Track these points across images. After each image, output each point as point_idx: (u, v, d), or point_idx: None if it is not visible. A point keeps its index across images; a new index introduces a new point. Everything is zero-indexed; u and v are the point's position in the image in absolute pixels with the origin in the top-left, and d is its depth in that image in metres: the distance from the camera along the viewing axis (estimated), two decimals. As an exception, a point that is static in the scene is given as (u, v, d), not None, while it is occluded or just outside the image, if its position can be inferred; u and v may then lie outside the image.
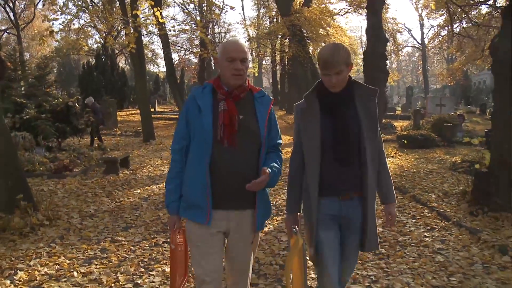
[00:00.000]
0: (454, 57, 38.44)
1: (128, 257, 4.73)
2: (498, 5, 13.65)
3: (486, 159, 7.20)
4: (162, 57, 28.37)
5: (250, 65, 47.72)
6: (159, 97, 40.60)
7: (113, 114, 21.38)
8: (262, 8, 42.41)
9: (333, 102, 2.53)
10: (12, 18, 38.81)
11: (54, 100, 13.53)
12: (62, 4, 10.98)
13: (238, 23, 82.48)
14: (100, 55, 31.87)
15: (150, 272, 4.29)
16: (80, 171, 9.56)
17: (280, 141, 2.70)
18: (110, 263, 4.54)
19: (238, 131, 2.45)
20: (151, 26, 12.21)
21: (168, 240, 4.60)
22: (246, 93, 2.58)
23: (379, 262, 4.44)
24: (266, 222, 2.72)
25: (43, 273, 4.26)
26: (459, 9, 15.40)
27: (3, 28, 43.16)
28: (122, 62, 47.97)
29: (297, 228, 2.63)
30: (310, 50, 20.78)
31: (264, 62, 48.82)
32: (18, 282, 4.04)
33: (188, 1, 29.08)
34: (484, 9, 18.30)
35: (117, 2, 17.72)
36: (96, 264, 4.51)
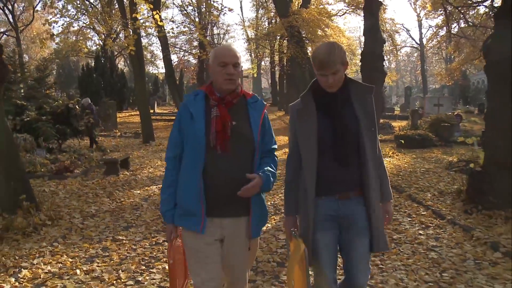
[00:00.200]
0: (452, 57, 38.55)
1: (129, 255, 4.84)
2: (495, 5, 13.76)
3: (481, 158, 7.30)
4: (161, 59, 28.54)
5: (249, 66, 48.00)
6: (159, 98, 40.69)
7: (113, 116, 21.47)
8: (260, 9, 42.56)
9: (330, 102, 2.49)
10: (11, 20, 38.90)
11: (54, 102, 13.65)
12: (61, 6, 11.10)
13: (236, 24, 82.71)
14: (100, 57, 31.97)
15: (151, 270, 4.40)
16: (80, 172, 9.67)
17: (275, 146, 2.67)
18: (112, 261, 4.65)
19: (231, 137, 2.42)
20: (150, 28, 12.31)
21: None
22: (239, 99, 2.56)
23: (374, 259, 4.55)
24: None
25: (47, 271, 4.38)
26: (456, 10, 15.52)
27: (2, 30, 43.24)
28: (121, 63, 48.02)
29: (296, 231, 2.59)
30: (308, 51, 20.91)
31: (263, 63, 48.96)
32: (22, 280, 4.16)
33: (187, 3, 29.21)
34: (482, 9, 18.44)
35: (116, 4, 17.80)
36: (98, 262, 4.62)
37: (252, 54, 46.73)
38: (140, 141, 16.61)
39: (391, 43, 29.11)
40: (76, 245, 5.20)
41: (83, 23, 26.01)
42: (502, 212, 5.72)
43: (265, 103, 2.66)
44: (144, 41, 31.69)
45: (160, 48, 27.04)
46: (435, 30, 30.11)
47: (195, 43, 35.86)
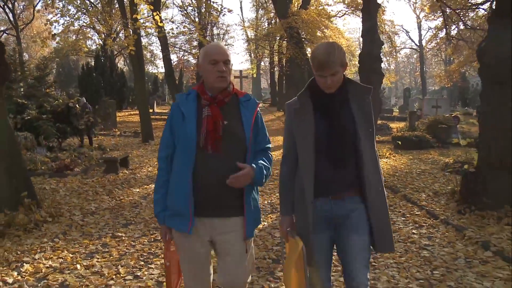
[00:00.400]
0: (452, 59, 38.70)
1: (128, 251, 4.96)
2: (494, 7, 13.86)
3: (475, 159, 7.41)
4: (161, 58, 28.63)
5: (249, 66, 48.12)
6: (158, 98, 40.77)
7: (112, 115, 21.53)
8: (260, 9, 42.72)
9: (327, 103, 2.46)
10: (12, 19, 38.99)
11: (54, 101, 13.75)
12: (61, 6, 11.20)
13: (236, 24, 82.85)
14: (99, 56, 32.06)
15: (149, 266, 4.51)
16: (80, 170, 9.77)
17: (269, 145, 2.65)
18: (111, 257, 4.76)
19: (222, 137, 2.40)
20: (150, 29, 12.42)
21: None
22: (231, 98, 2.54)
23: (367, 257, 4.66)
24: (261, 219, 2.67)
25: (48, 265, 4.49)
26: (455, 13, 15.62)
27: (2, 28, 43.32)
28: (121, 63, 48.10)
29: (293, 231, 2.57)
30: (307, 52, 21.04)
31: (262, 63, 49.10)
32: (24, 273, 4.27)
33: (187, 4, 29.31)
34: (482, 11, 18.54)
35: (116, 4, 17.90)
36: (98, 258, 4.74)
37: (252, 55, 46.88)
38: (139, 140, 16.71)
39: (390, 44, 29.18)
40: (76, 241, 5.31)
41: (83, 22, 26.11)
42: (495, 212, 5.81)
43: (257, 101, 2.64)
44: (144, 40, 31.79)
45: (160, 47, 27.16)
46: (434, 32, 30.29)
47: (195, 43, 35.94)
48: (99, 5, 27.37)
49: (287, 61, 26.83)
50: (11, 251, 4.86)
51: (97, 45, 34.41)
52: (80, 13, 25.31)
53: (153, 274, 4.26)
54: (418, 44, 52.41)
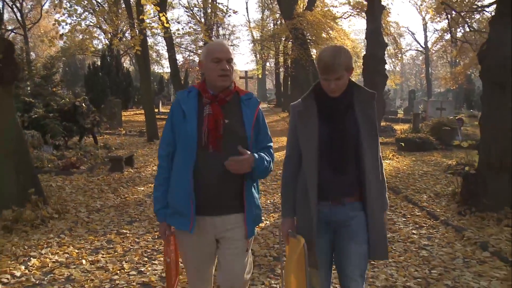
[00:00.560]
0: (457, 61, 38.64)
1: (133, 247, 5.07)
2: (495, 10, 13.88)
3: (476, 161, 7.48)
4: (167, 58, 28.75)
5: (254, 66, 48.20)
6: (163, 97, 40.92)
7: (118, 114, 21.64)
8: (266, 10, 42.81)
9: (331, 107, 2.46)
10: (19, 18, 39.25)
11: (61, 99, 13.88)
12: (69, 6, 11.30)
13: (242, 25, 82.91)
14: (106, 55, 32.23)
15: (153, 262, 4.61)
16: (86, 168, 9.89)
17: (270, 143, 2.63)
18: (116, 253, 4.88)
19: (223, 136, 2.39)
20: (156, 29, 12.52)
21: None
22: (233, 96, 2.52)
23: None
24: (262, 218, 2.68)
25: (54, 260, 4.61)
26: (460, 16, 15.66)
27: (10, 28, 43.61)
28: (127, 62, 48.29)
29: (294, 232, 2.56)
30: (312, 53, 21.10)
31: (268, 64, 49.15)
32: (31, 267, 4.40)
33: (193, 5, 29.44)
34: (488, 14, 18.55)
35: (123, 4, 18.03)
36: (103, 254, 4.85)
37: (257, 55, 46.97)
38: (144, 140, 16.82)
39: (395, 46, 29.20)
40: (82, 237, 5.43)
41: (90, 22, 26.26)
42: (495, 214, 5.88)
43: (259, 100, 2.63)
44: (150, 40, 31.95)
45: (166, 48, 27.27)
46: (440, 34, 30.28)
47: (201, 43, 36.08)
48: (106, 5, 27.59)
49: (292, 62, 26.86)
50: (18, 245, 4.99)
51: (104, 45, 34.60)
52: (87, 13, 25.52)
53: (156, 270, 4.37)
54: (423, 46, 52.31)
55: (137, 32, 11.61)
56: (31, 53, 40.77)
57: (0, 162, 6.04)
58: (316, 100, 2.50)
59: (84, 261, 4.59)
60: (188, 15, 36.92)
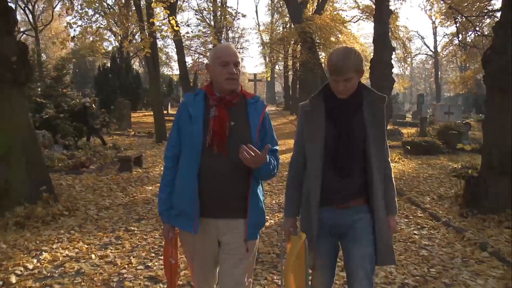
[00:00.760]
0: (467, 65, 38.56)
1: (140, 244, 5.22)
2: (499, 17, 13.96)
3: (479, 164, 7.57)
4: (176, 60, 29.00)
5: (263, 69, 48.34)
6: (172, 99, 41.17)
7: (127, 115, 21.88)
8: (275, 13, 42.97)
9: (339, 108, 2.43)
10: (31, 20, 39.73)
11: (72, 100, 14.13)
12: (80, 8, 11.53)
13: (251, 28, 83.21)
14: (116, 57, 32.56)
15: (160, 257, 4.76)
16: (96, 168, 10.09)
17: (276, 147, 2.58)
18: (124, 249, 5.04)
19: (229, 138, 2.38)
20: (166, 32, 12.71)
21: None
22: (239, 99, 2.51)
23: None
24: (267, 217, 2.66)
25: (65, 255, 4.78)
26: (468, 21, 15.71)
27: (22, 29, 44.11)
28: (136, 64, 48.63)
29: (296, 230, 2.57)
30: (320, 57, 21.23)
31: (277, 67, 49.29)
32: (43, 261, 4.57)
33: (202, 8, 29.68)
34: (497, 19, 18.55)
35: (133, 7, 18.28)
36: (112, 249, 5.01)
37: (266, 58, 47.14)
38: (153, 141, 17.01)
39: (404, 50, 29.25)
40: (91, 233, 5.60)
41: (101, 24, 26.60)
42: (495, 216, 5.98)
43: (265, 103, 2.61)
44: (159, 43, 32.17)
45: (175, 50, 27.55)
46: (450, 38, 30.31)
47: (210, 46, 36.31)
48: (116, 7, 27.90)
49: (300, 66, 27.00)
50: (30, 240, 5.17)
51: (114, 47, 34.95)
52: (97, 15, 25.86)
53: (163, 265, 4.51)
54: (433, 50, 52.27)
55: (147, 35, 11.82)
56: (42, 54, 41.25)
57: (13, 161, 6.22)
58: (325, 101, 2.48)
59: (93, 256, 4.75)
60: (197, 18, 37.22)
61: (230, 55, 2.43)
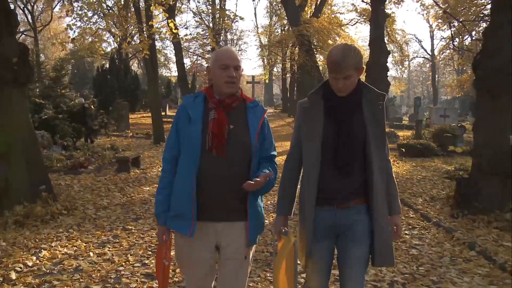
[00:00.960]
0: (464, 68, 38.78)
1: (138, 242, 5.35)
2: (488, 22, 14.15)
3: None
4: (175, 62, 29.15)
5: (262, 72, 48.48)
6: (171, 101, 41.28)
7: (125, 117, 21.97)
8: (274, 16, 43.13)
9: (338, 106, 2.40)
10: (30, 20, 39.81)
11: (70, 101, 14.25)
12: (79, 9, 11.64)
13: (249, 30, 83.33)
14: (114, 58, 32.66)
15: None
16: (94, 168, 10.21)
17: (274, 152, 2.59)
18: (122, 247, 5.16)
19: (227, 141, 2.37)
20: (165, 35, 12.83)
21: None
22: (239, 103, 2.49)
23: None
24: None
25: (63, 252, 4.90)
26: (463, 26, 15.90)
27: (20, 30, 44.13)
28: (134, 65, 48.72)
29: (286, 229, 2.52)
30: (317, 59, 21.40)
31: (275, 69, 49.43)
32: (42, 258, 4.69)
33: (201, 10, 29.84)
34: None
35: (132, 8, 18.38)
36: (109, 247, 5.14)
37: (265, 60, 47.29)
38: (151, 142, 17.12)
39: (401, 53, 29.45)
40: (89, 232, 5.72)
41: (100, 25, 26.67)
42: (485, 216, 6.12)
43: (265, 108, 2.59)
44: (158, 44, 32.26)
45: (174, 51, 27.65)
46: (447, 42, 30.52)
47: (209, 48, 36.45)
48: (115, 8, 27.98)
49: (298, 68, 27.18)
50: (30, 238, 5.30)
51: (112, 48, 35.04)
52: (96, 16, 25.93)
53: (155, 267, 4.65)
54: (430, 54, 52.50)
55: (146, 37, 11.92)
56: (41, 55, 41.32)
57: (13, 160, 6.33)
58: (324, 98, 2.45)
59: (91, 254, 4.88)
60: (196, 20, 37.36)
61: (231, 59, 2.43)
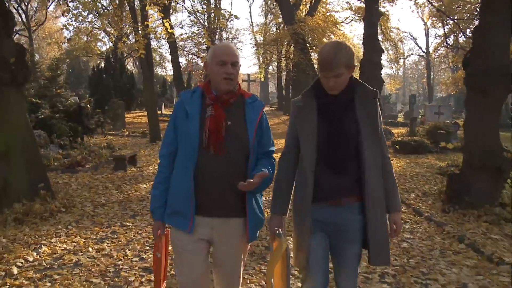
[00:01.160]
0: (458, 66, 38.96)
1: (135, 238, 5.47)
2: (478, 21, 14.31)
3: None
4: (170, 61, 29.19)
5: (257, 70, 48.57)
6: (166, 100, 41.33)
7: (121, 116, 22.01)
8: (269, 14, 43.26)
9: (331, 104, 2.39)
10: (24, 20, 39.73)
11: (66, 101, 14.31)
12: (74, 9, 11.72)
13: (244, 29, 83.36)
14: (110, 58, 32.71)
15: (154, 250, 5.01)
16: (91, 167, 10.30)
17: (272, 148, 2.58)
18: (120, 242, 5.29)
19: (225, 138, 2.36)
20: (160, 34, 12.92)
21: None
22: (237, 98, 2.48)
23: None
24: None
25: (63, 248, 5.03)
26: (456, 24, 16.05)
27: (15, 29, 43.96)
28: (130, 65, 48.73)
29: (280, 231, 2.49)
30: (313, 57, 21.52)
31: (270, 67, 49.55)
32: (42, 254, 4.81)
33: (196, 10, 29.88)
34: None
35: (127, 7, 18.44)
36: (108, 243, 5.26)
37: (260, 59, 47.40)
38: (147, 141, 17.19)
39: (396, 51, 29.60)
40: (88, 228, 5.84)
41: (95, 24, 26.73)
42: (475, 211, 6.26)
43: (263, 103, 2.58)
44: (153, 43, 32.33)
45: (169, 50, 27.73)
46: (441, 39, 30.71)
47: (204, 46, 36.50)
48: (110, 7, 28.02)
49: (293, 66, 27.30)
50: (29, 235, 5.41)
51: (108, 48, 35.07)
52: (91, 16, 25.97)
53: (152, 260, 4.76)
54: (425, 51, 52.66)
55: (141, 36, 12.02)
56: (36, 54, 41.26)
57: (12, 159, 6.43)
58: (316, 97, 2.44)
59: (90, 249, 5.00)
60: (191, 20, 37.43)
61: (228, 55, 2.41)
